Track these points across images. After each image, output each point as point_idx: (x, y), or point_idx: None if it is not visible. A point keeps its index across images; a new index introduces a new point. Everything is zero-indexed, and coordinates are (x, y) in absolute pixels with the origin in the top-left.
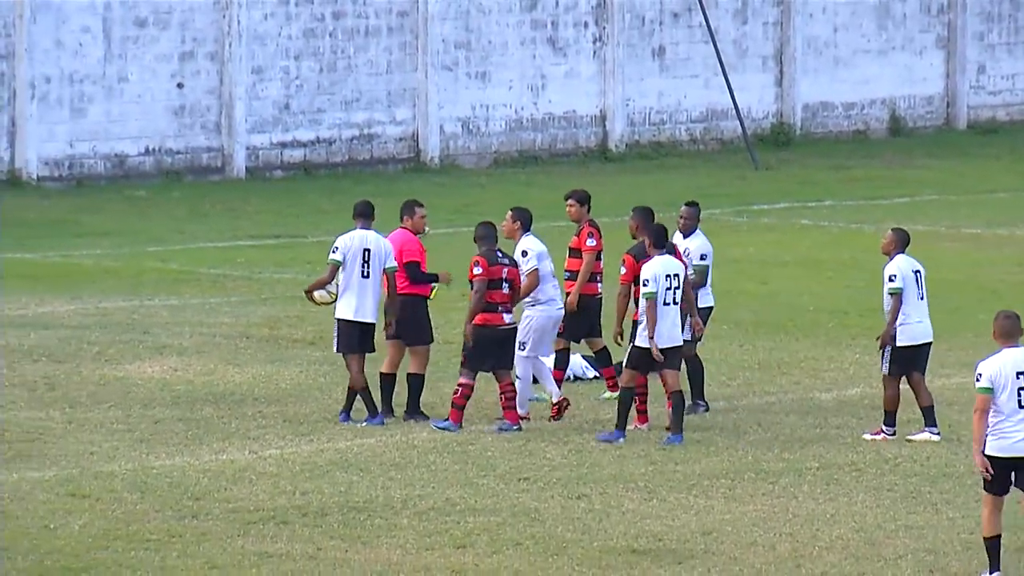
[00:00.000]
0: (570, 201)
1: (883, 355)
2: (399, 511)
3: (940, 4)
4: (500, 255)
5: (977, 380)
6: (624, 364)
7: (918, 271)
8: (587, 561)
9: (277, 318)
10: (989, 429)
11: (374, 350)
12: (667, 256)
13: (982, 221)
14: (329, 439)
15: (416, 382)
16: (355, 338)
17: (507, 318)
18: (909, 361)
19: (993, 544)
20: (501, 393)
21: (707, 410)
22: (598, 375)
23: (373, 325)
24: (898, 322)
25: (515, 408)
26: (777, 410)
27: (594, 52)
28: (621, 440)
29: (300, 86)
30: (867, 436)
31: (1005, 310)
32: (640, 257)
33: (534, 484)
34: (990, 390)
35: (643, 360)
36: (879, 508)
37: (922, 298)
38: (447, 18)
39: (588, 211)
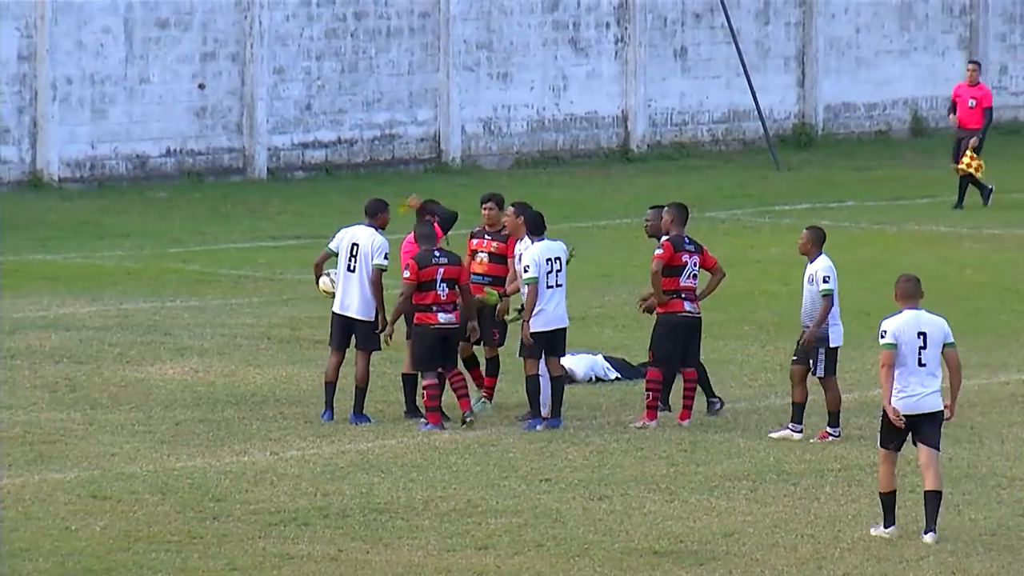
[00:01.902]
0: (489, 204)
1: (817, 358)
2: (420, 512)
3: (962, 5)
4: (437, 255)
5: (882, 337)
6: (519, 353)
7: (834, 271)
8: (609, 563)
9: (298, 319)
10: (894, 386)
11: (379, 348)
12: (547, 241)
13: (1003, 222)
14: (350, 440)
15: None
16: (335, 331)
17: (442, 317)
18: (836, 362)
19: (890, 500)
20: (451, 386)
21: (721, 406)
22: (619, 376)
23: (359, 321)
24: (829, 323)
25: (469, 397)
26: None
27: (616, 53)
28: (538, 427)
29: (322, 87)
30: (816, 440)
31: (906, 274)
32: (679, 247)
33: (556, 485)
34: (894, 346)
35: (536, 346)
36: (901, 509)
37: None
38: (469, 19)
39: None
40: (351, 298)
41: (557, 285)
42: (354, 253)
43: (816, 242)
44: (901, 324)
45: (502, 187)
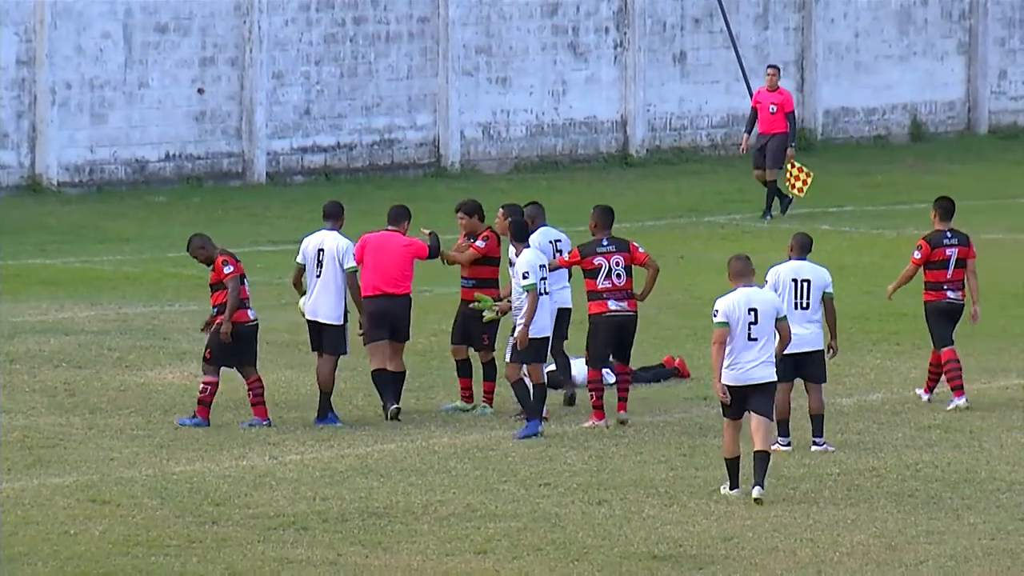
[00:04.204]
0: (459, 214)
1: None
2: (419, 517)
3: (961, 10)
4: (234, 254)
5: (714, 316)
6: (510, 358)
7: (805, 280)
8: (607, 567)
9: (297, 324)
10: (725, 361)
11: (346, 352)
12: (535, 249)
13: (1003, 226)
14: (349, 445)
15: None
16: (311, 337)
17: (251, 314)
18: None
19: (733, 464)
20: (249, 390)
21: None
22: (616, 380)
23: (325, 325)
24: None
25: (264, 404)
26: (798, 415)
27: (615, 57)
28: (536, 433)
29: (321, 91)
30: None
31: (737, 253)
32: (586, 252)
33: (555, 490)
34: (726, 324)
35: (531, 351)
36: (900, 513)
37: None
38: (468, 23)
39: (482, 220)
40: (319, 303)
41: (545, 292)
42: (320, 259)
43: (793, 247)
44: (732, 302)
45: (501, 192)
